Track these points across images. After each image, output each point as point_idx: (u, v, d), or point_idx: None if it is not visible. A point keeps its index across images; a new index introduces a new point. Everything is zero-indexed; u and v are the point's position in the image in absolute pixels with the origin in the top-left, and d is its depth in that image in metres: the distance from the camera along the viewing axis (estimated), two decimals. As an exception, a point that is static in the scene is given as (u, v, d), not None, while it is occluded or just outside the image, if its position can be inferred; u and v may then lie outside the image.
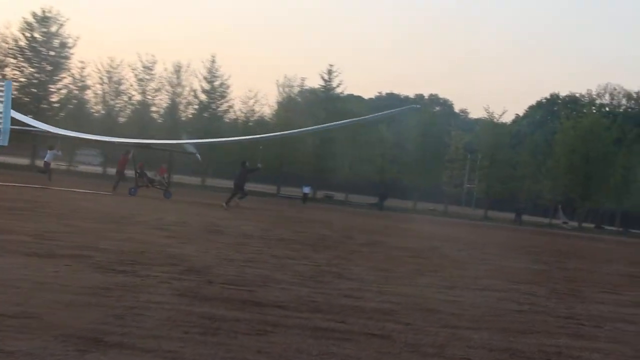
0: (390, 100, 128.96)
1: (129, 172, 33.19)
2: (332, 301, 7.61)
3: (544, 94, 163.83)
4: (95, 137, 37.34)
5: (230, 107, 64.24)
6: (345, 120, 43.94)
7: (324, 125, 49.41)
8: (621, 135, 70.21)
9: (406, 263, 12.93)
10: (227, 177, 56.39)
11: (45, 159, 34.27)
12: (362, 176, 66.32)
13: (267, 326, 5.92)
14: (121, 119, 62.15)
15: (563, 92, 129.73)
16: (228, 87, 62.60)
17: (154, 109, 63.20)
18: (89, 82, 59.76)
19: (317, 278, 9.40)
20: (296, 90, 67.17)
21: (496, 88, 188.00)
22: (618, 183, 66.06)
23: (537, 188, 69.08)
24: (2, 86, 24.66)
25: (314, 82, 73.64)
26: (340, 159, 61.76)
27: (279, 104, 65.69)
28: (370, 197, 66.85)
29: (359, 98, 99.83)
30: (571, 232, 53.77)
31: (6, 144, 24.56)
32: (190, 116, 64.33)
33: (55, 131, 33.09)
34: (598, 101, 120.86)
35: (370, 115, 50.49)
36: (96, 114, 61.13)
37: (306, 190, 54.09)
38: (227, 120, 65.87)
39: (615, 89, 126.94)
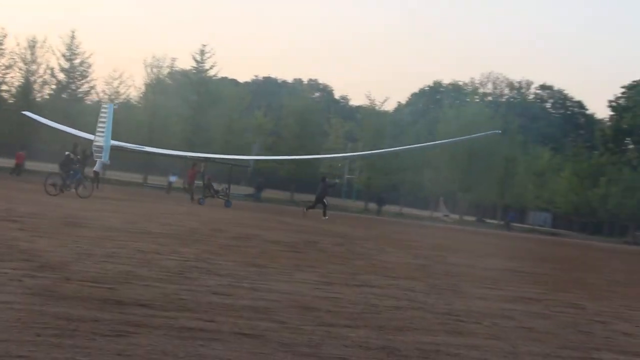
0: (267, 85, 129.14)
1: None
2: (201, 299, 7.58)
3: (426, 81, 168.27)
4: (177, 152, 42.07)
5: (92, 88, 62.47)
6: (436, 142, 52.38)
7: (420, 144, 56.56)
8: (504, 125, 72.93)
9: (281, 258, 13.00)
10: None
11: (94, 168, 36.80)
12: (238, 165, 65.99)
13: (129, 327, 5.83)
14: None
15: (446, 80, 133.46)
16: (90, 66, 60.81)
17: (4, 87, 60.56)
18: None
19: (185, 274, 9.33)
20: (166, 71, 66.12)
21: (378, 74, 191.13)
22: (500, 175, 68.64)
23: (419, 180, 70.78)
24: (105, 108, 29.13)
25: (186, 63, 72.65)
26: (213, 146, 61.24)
27: (147, 85, 64.41)
28: (246, 188, 66.70)
29: (234, 81, 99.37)
30: (452, 225, 55.52)
31: (107, 160, 29.77)
32: (47, 97, 62.13)
33: (151, 150, 39.46)
34: (481, 90, 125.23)
35: (452, 139, 55.25)
36: None
37: (172, 179, 53.28)
38: (89, 102, 64.06)
39: (498, 78, 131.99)
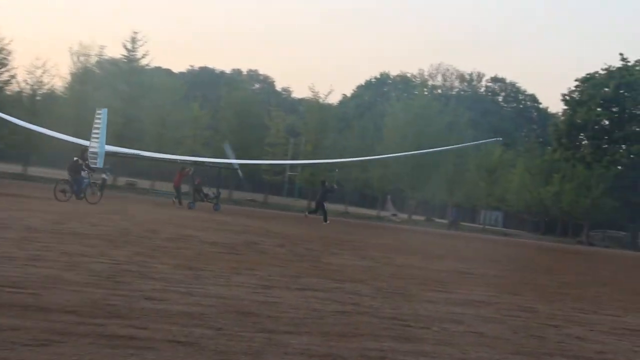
0: (204, 76, 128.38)
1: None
2: (133, 304, 7.51)
3: (373, 72, 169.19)
4: (172, 157, 44.62)
5: (13, 77, 61.33)
6: (441, 148, 55.14)
7: (423, 150, 59.33)
8: (453, 119, 73.78)
9: (219, 260, 12.95)
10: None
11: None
12: (172, 161, 65.59)
13: (53, 335, 5.75)
14: None
15: (394, 72, 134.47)
16: (9, 53, 59.78)
17: None
18: None
19: (116, 278, 9.23)
20: (94, 60, 65.31)
21: (322, 65, 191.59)
22: (450, 173, 69.36)
23: (365, 177, 71.12)
24: (99, 114, 30.54)
25: (115, 51, 71.85)
26: (146, 140, 60.66)
27: (73, 75, 63.55)
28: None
29: (168, 71, 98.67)
30: (400, 225, 55.93)
31: (102, 166, 30.96)
32: (-37, 86, 60.92)
33: (147, 155, 42.20)
34: (430, 82, 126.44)
35: (456, 145, 58.74)
36: None
37: (106, 176, 52.67)
38: (9, 93, 62.92)
39: (447, 70, 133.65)
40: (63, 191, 28.76)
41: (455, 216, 66.86)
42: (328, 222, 35.29)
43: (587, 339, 8.89)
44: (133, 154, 40.98)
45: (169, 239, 16.20)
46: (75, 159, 30.00)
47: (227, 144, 53.28)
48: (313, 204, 63.04)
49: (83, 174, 29.64)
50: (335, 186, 41.88)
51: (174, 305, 7.75)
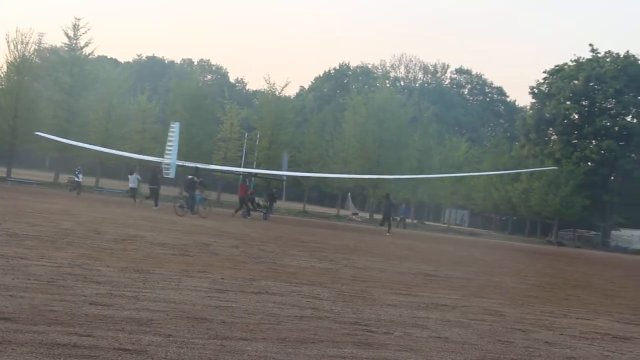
0: (152, 65, 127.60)
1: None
2: (76, 310, 7.44)
3: (332, 63, 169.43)
4: (235, 169, 50.57)
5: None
6: (502, 172, 63.57)
7: (472, 173, 65.27)
8: (417, 113, 74.07)
9: (169, 262, 12.88)
10: None
11: (130, 185, 43.72)
12: (118, 157, 65.16)
13: (-11, 344, 5.67)
14: None
15: (354, 62, 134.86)
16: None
17: None
18: None
19: (57, 282, 9.14)
20: (32, 48, 64.53)
21: (278, 54, 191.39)
22: (413, 169, 69.59)
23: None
24: (172, 127, 35.90)
25: (56, 39, 71.24)
26: (91, 135, 60.09)
27: (9, 64, 62.71)
28: (128, 183, 65.70)
29: (114, 61, 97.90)
30: (361, 225, 56.03)
31: (173, 176, 36.95)
32: None
33: (207, 167, 45.99)
34: (392, 74, 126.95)
35: (510, 171, 65.89)
36: None
37: (80, 178, 51.90)
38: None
39: (411, 61, 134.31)
40: (182, 207, 33.49)
41: (406, 213, 66.88)
42: (379, 226, 42.12)
43: (556, 344, 8.98)
44: (202, 167, 44.57)
45: (114, 240, 16.07)
46: (190, 176, 35.21)
47: (285, 153, 55.55)
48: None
49: (197, 190, 34.28)
50: (394, 201, 46.92)
51: (121, 311, 7.69)
